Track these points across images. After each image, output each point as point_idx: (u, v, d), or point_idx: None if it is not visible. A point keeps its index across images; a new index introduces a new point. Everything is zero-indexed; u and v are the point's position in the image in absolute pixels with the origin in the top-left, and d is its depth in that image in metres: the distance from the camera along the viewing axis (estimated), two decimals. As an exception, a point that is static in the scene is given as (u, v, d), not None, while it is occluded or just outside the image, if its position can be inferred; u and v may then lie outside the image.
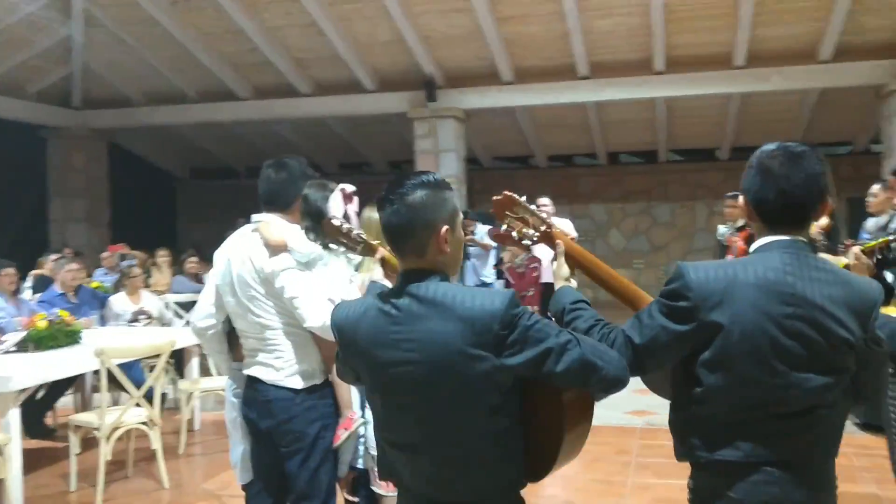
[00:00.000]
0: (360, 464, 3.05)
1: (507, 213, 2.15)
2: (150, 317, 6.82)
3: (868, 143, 12.71)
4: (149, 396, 4.95)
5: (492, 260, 9.15)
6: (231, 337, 3.11)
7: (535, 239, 2.13)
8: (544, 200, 7.50)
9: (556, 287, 2.01)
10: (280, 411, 2.89)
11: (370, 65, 10.81)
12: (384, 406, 1.84)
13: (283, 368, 2.90)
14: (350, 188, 3.03)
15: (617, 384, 1.74)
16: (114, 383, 5.45)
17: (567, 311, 1.87)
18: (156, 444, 4.94)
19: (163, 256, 9.30)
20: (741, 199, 1.86)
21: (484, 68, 10.52)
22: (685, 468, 1.87)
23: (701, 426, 1.77)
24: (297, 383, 2.90)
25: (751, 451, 1.71)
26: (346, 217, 2.91)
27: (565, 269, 2.04)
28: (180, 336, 5.58)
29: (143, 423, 4.92)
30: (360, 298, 1.95)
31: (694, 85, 10.17)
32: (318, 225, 2.99)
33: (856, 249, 3.06)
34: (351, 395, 2.97)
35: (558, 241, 2.08)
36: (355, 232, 2.54)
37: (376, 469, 2.89)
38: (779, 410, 1.72)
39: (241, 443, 3.11)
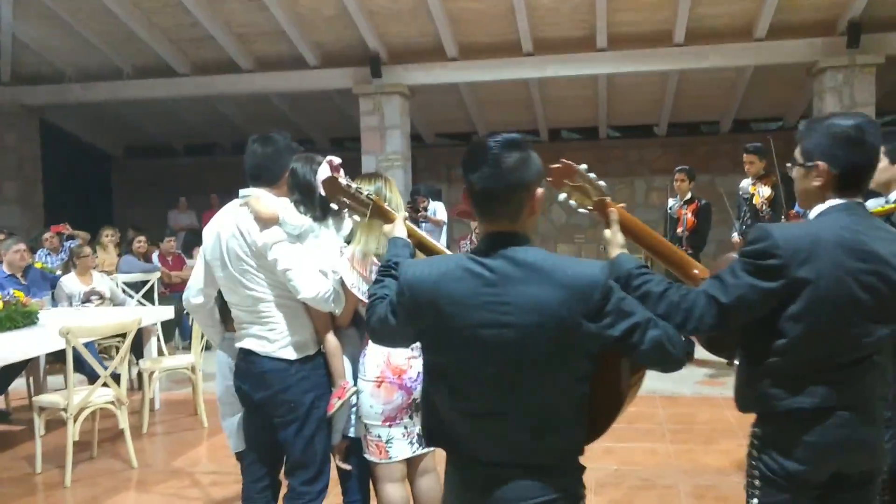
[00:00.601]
0: (352, 432, 3.09)
1: (566, 181, 2.19)
2: (102, 297, 6.72)
3: (799, 120, 13.16)
4: (112, 376, 4.89)
5: (444, 236, 9.22)
6: (224, 309, 3.13)
7: (590, 208, 2.19)
8: None
9: (613, 254, 2.05)
10: (275, 382, 2.92)
11: (314, 40, 10.68)
12: (460, 370, 1.80)
13: (276, 340, 2.93)
14: (337, 160, 3.03)
15: (677, 368, 1.82)
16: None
17: (634, 275, 1.92)
18: (123, 423, 4.89)
19: (108, 236, 9.08)
20: (820, 165, 1.97)
21: (429, 44, 10.51)
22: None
23: (779, 377, 1.92)
24: (291, 354, 2.94)
25: (826, 397, 1.89)
26: None
27: (620, 237, 2.09)
28: (144, 315, 5.51)
29: (111, 403, 4.86)
30: (432, 258, 1.95)
31: (635, 62, 10.34)
32: (307, 198, 3.02)
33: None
34: (344, 365, 3.02)
35: (612, 209, 2.14)
36: (365, 192, 2.49)
37: (370, 437, 2.99)
38: (846, 359, 1.90)
39: (235, 412, 3.14)
